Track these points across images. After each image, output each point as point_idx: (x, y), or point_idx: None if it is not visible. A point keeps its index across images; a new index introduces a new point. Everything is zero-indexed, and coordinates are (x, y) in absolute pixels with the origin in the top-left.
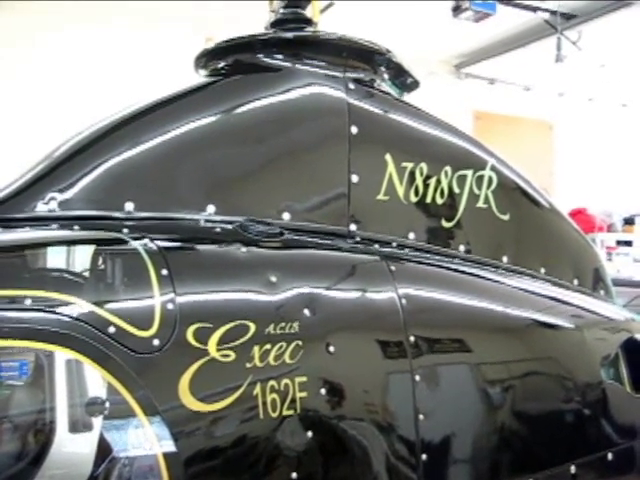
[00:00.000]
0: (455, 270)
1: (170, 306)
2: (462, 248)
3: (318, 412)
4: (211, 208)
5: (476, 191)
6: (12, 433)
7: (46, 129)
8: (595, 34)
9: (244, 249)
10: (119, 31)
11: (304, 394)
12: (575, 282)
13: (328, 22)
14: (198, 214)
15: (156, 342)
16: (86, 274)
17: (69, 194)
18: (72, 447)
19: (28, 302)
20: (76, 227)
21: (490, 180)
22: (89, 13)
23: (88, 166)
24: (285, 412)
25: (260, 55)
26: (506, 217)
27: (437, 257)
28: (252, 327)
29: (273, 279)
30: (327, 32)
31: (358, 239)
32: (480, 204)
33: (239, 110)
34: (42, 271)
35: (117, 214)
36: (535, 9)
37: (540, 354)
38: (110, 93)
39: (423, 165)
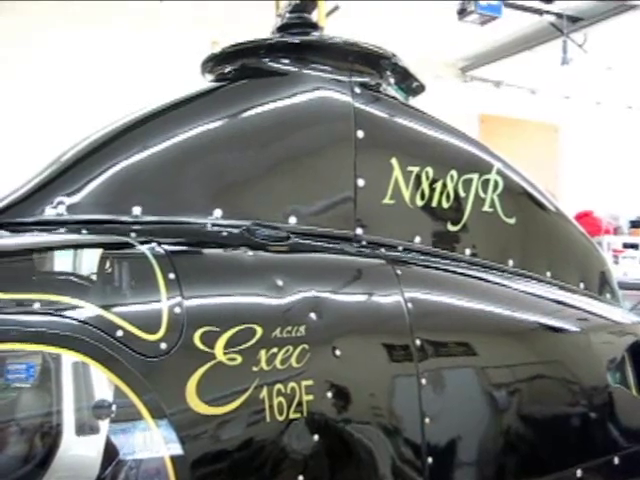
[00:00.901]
0: (461, 274)
1: (177, 310)
2: (468, 252)
3: (324, 415)
4: (218, 212)
5: (482, 195)
6: (19, 436)
7: (46, 129)
8: (601, 37)
9: (251, 253)
10: (119, 31)
11: (310, 397)
12: (581, 285)
13: (334, 26)
14: (205, 218)
15: (163, 345)
16: (94, 278)
17: (77, 198)
18: (79, 450)
19: (36, 305)
20: (84, 231)
21: (496, 184)
22: (89, 13)
23: (96, 170)
24: (292, 415)
25: (266, 60)
26: (512, 221)
27: (443, 261)
28: (259, 331)
29: (280, 283)
30: (333, 36)
31: (364, 243)
32: (486, 208)
33: (245, 115)
34: (50, 275)
35: (125, 218)
36: (541, 12)
37: (546, 358)
38: (110, 93)
39: (429, 169)
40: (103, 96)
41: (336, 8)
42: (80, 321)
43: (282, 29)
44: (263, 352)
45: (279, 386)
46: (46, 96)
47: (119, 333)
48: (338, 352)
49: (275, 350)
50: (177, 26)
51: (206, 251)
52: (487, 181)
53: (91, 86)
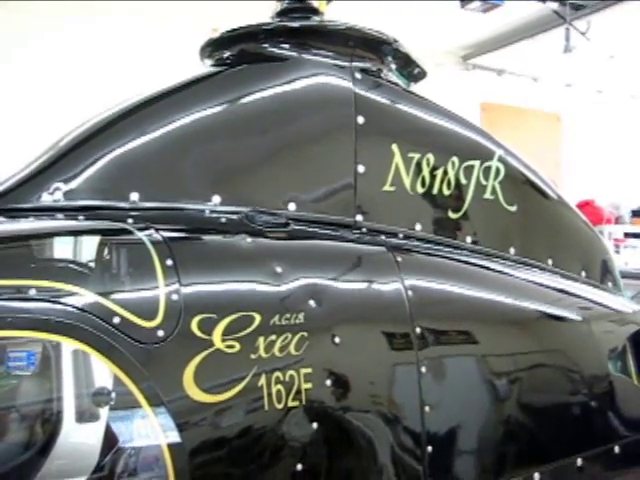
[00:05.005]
0: (462, 261)
1: (175, 297)
2: (469, 239)
3: (323, 403)
4: (216, 198)
5: (483, 182)
6: (19, 423)
7: (45, 127)
8: (604, 25)
9: (249, 239)
10: (119, 26)
11: (309, 385)
12: (583, 274)
13: (335, 12)
14: (203, 204)
15: (161, 333)
16: (91, 264)
17: (74, 184)
18: (79, 437)
19: (33, 292)
20: (81, 217)
21: (497, 171)
22: (88, 12)
23: (93, 156)
24: (290, 403)
25: (266, 45)
26: (513, 208)
27: (444, 248)
28: (257, 318)
29: (279, 270)
30: (334, 21)
31: (364, 230)
32: (487, 195)
33: (245, 100)
34: (47, 261)
35: (122, 204)
36: None
37: (547, 346)
38: (111, 84)
39: (430, 156)
40: (104, 87)
41: None
42: (77, 308)
43: (282, 14)
44: (261, 339)
45: (278, 374)
46: (46, 86)
47: (116, 320)
48: (337, 340)
49: (274, 337)
50: (177, 21)
51: (204, 238)
52: (489, 168)
53: (92, 76)
